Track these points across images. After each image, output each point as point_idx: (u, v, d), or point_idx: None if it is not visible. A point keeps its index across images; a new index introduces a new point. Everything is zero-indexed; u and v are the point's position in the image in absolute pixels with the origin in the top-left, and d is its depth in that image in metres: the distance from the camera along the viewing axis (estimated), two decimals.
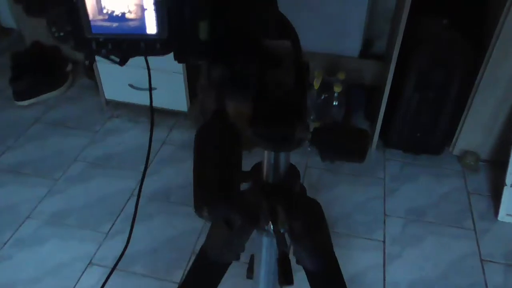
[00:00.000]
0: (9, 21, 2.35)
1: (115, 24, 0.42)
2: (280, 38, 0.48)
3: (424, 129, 1.71)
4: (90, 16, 0.42)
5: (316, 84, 1.66)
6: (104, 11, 0.42)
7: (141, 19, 0.42)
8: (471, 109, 1.64)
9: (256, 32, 0.46)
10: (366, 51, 2.01)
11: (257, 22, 0.46)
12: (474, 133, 1.70)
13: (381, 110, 1.69)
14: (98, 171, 1.70)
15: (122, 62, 0.46)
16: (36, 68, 2.06)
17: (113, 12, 0.42)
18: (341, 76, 1.65)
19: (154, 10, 0.42)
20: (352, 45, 1.92)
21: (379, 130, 1.76)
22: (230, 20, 0.43)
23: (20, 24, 2.27)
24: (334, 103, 1.66)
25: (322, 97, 1.68)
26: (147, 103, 0.89)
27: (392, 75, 1.58)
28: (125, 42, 0.43)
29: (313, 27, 1.89)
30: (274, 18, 0.49)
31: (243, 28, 0.44)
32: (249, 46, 0.46)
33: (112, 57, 0.45)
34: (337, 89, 1.62)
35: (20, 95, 2.01)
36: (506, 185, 1.53)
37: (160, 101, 1.82)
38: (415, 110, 1.66)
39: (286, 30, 0.51)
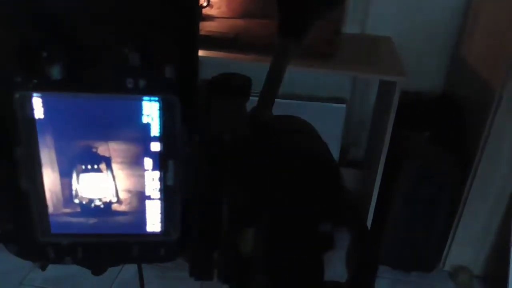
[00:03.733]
0: None
1: (91, 221, 0.24)
2: None
3: (414, 245, 1.56)
4: (50, 209, 0.24)
5: None
6: (76, 200, 0.24)
7: (139, 212, 0.24)
8: (460, 222, 1.53)
9: None
10: (343, 158, 1.92)
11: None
12: (466, 247, 1.57)
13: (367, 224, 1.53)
14: None
15: (97, 272, 0.27)
16: None
17: (90, 201, 0.24)
18: None
19: (161, 199, 0.24)
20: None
21: None
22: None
23: None
24: None
25: None
26: None
27: (377, 191, 1.46)
28: (106, 247, 0.25)
29: None
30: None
31: None
32: None
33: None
34: None
35: None
36: None
37: None
38: (404, 225, 1.53)
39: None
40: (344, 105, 1.75)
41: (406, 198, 1.50)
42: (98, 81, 0.22)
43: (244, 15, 1.69)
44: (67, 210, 0.24)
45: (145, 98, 0.22)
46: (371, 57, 1.49)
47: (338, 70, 1.39)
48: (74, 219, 0.24)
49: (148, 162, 0.23)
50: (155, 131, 0.23)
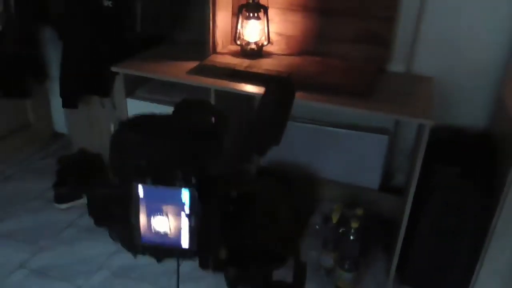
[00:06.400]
0: (62, 127, 2.66)
1: (159, 238, 0.59)
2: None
3: (440, 272, 1.77)
4: (142, 233, 0.59)
5: (335, 218, 1.79)
6: (153, 230, 0.59)
7: (179, 237, 0.59)
8: (486, 258, 1.71)
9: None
10: (387, 183, 2.14)
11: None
12: (491, 281, 1.73)
13: (397, 247, 1.77)
14: (119, 281, 1.82)
15: (159, 261, 0.62)
16: (78, 174, 2.30)
17: (159, 231, 0.59)
18: (359, 212, 1.78)
19: (188, 232, 0.58)
20: (372, 178, 2.08)
21: (395, 265, 1.82)
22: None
23: (71, 130, 2.57)
24: (351, 238, 1.77)
25: (340, 231, 1.80)
26: None
27: (407, 218, 1.69)
28: (164, 249, 0.60)
29: (334, 158, 2.07)
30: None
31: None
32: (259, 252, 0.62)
33: None
34: (354, 225, 1.74)
35: (60, 199, 2.23)
36: None
37: None
38: (430, 253, 1.74)
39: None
40: (386, 136, 1.99)
41: (433, 228, 1.72)
42: (166, 182, 0.55)
43: (299, 53, 2.01)
44: (148, 233, 0.59)
45: (183, 189, 0.56)
46: (408, 98, 1.71)
47: (373, 110, 1.64)
48: (152, 237, 0.59)
49: (183, 215, 0.56)
50: (187, 202, 0.56)
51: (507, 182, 1.61)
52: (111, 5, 1.99)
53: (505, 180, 1.62)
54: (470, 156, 1.78)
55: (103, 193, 0.61)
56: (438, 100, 1.79)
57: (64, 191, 2.25)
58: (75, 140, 2.54)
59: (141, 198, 0.56)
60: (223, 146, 0.57)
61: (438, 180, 1.74)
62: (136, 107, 1.94)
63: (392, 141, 2.05)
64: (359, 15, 1.87)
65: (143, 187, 0.55)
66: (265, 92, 0.66)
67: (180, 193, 0.55)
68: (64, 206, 2.24)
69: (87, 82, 2.12)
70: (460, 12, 1.83)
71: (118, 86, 1.98)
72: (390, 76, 1.89)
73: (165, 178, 0.54)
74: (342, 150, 2.06)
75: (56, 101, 2.57)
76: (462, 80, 1.92)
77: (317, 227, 1.88)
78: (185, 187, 0.55)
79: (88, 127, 2.43)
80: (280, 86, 0.68)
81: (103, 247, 2.02)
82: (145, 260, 1.98)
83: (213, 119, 0.63)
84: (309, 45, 2.00)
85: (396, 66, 1.94)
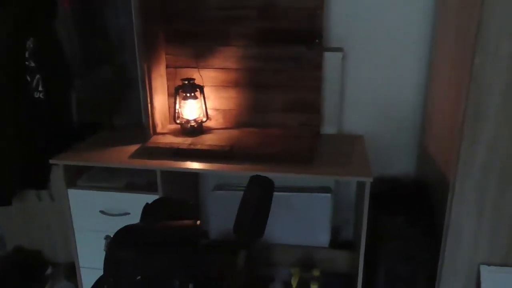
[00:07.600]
0: None
1: None
2: None
3: None
4: None
5: (294, 283, 1.84)
6: None
7: None
8: None
9: None
10: (336, 238, 2.24)
11: None
12: None
13: None
14: None
15: None
16: (17, 275, 2.15)
17: None
18: (316, 273, 1.84)
19: None
20: (321, 236, 2.16)
21: None
22: None
23: (3, 228, 2.42)
24: None
25: None
26: None
27: (362, 271, 1.78)
28: None
29: (283, 221, 2.15)
30: None
31: None
32: None
33: None
34: (314, 287, 1.79)
35: None
36: None
37: None
38: None
39: None
40: (329, 194, 2.11)
41: (387, 277, 1.82)
42: None
43: (238, 126, 2.11)
44: None
45: None
46: (345, 158, 1.85)
47: (317, 174, 1.76)
48: None
49: None
50: None
51: (444, 227, 1.76)
52: (42, 97, 1.98)
53: (442, 224, 1.78)
54: (410, 204, 1.94)
55: None
56: (370, 155, 1.95)
57: None
58: (9, 238, 2.40)
59: None
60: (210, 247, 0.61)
61: (386, 231, 1.87)
62: (78, 197, 1.90)
63: (335, 198, 2.18)
64: (289, 87, 2.03)
65: None
66: (247, 191, 0.72)
67: None
68: None
69: (21, 177, 2.05)
70: (377, 74, 2.06)
71: (58, 178, 1.93)
72: (325, 139, 2.04)
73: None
74: (289, 213, 2.15)
75: None
76: (388, 134, 2.13)
77: None
78: None
79: (24, 222, 2.31)
80: (260, 184, 0.75)
81: None
82: None
83: (198, 222, 0.68)
84: (246, 117, 2.11)
85: (329, 128, 2.10)
